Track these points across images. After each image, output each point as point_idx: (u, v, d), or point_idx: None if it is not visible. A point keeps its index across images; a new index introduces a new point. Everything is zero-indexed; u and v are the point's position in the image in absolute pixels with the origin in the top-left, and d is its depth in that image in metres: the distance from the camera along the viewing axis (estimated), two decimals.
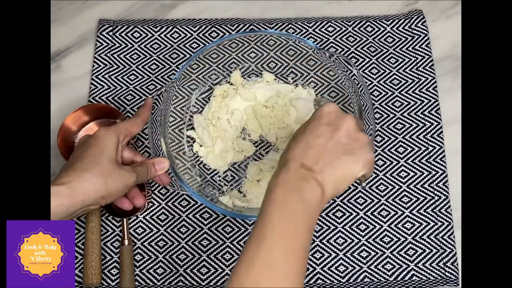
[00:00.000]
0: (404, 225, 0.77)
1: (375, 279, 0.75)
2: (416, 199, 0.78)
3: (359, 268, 0.75)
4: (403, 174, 0.79)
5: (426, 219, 0.77)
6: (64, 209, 0.60)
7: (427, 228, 0.77)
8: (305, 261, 0.55)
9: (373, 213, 0.78)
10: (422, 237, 0.76)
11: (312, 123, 0.61)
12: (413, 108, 0.83)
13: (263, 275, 0.51)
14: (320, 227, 0.77)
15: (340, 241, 0.77)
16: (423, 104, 0.83)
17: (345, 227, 0.77)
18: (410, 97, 0.84)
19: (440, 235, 0.76)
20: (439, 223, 0.77)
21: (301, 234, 0.55)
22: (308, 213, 0.56)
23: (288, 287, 0.51)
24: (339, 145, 0.59)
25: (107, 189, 0.63)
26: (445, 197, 0.78)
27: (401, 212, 0.78)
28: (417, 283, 0.75)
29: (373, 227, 0.77)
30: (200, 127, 0.80)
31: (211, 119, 0.81)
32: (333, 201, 0.78)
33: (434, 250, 0.76)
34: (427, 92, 0.84)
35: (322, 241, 0.76)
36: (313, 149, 0.58)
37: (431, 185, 0.79)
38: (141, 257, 0.76)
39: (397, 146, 0.81)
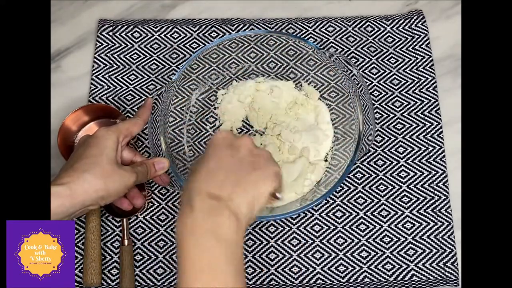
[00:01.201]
0: (404, 225, 0.77)
1: (375, 279, 0.75)
2: (416, 199, 0.78)
3: (359, 268, 0.75)
4: (403, 174, 0.79)
5: (426, 219, 0.77)
6: (64, 209, 0.60)
7: (427, 228, 0.77)
8: None
9: (373, 213, 0.78)
10: (422, 237, 0.76)
11: (209, 150, 0.58)
12: (413, 108, 0.83)
13: None
14: (320, 227, 0.77)
15: (340, 241, 0.76)
16: (423, 104, 0.83)
17: (345, 227, 0.77)
18: (410, 97, 0.84)
19: (440, 235, 0.76)
20: (439, 223, 0.77)
21: (228, 276, 0.50)
22: (230, 251, 0.51)
23: None
24: (244, 163, 0.56)
25: (106, 190, 0.63)
26: (445, 197, 0.78)
27: (401, 212, 0.78)
28: (417, 283, 0.75)
29: (373, 227, 0.77)
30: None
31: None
32: (332, 201, 0.78)
33: (434, 250, 0.76)
34: (427, 92, 0.84)
35: (322, 241, 0.76)
36: (217, 174, 0.54)
37: (431, 185, 0.79)
38: (141, 257, 0.76)
39: (397, 146, 0.81)
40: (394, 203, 0.78)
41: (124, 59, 0.86)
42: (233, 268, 0.51)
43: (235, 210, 0.53)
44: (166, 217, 0.78)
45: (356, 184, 0.79)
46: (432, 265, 0.75)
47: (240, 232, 0.53)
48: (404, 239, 0.76)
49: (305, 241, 0.76)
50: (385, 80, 0.85)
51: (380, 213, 0.78)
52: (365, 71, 0.85)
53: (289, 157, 0.78)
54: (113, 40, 0.87)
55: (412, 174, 0.79)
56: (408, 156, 0.80)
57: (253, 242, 0.76)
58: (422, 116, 0.82)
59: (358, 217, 0.77)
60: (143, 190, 0.77)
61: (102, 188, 0.63)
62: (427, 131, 0.82)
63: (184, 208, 0.53)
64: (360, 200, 0.78)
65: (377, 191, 0.79)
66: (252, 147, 0.59)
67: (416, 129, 0.82)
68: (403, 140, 0.81)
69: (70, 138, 0.80)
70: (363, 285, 0.75)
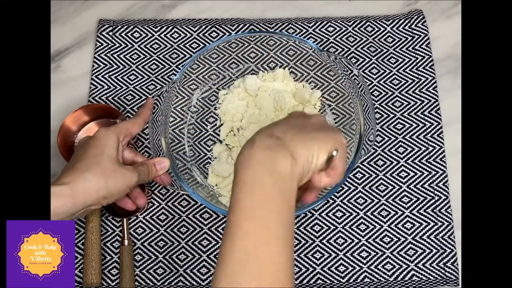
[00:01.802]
0: (404, 225, 0.77)
1: (375, 279, 0.75)
2: (416, 199, 0.78)
3: (359, 268, 0.75)
4: (403, 174, 0.79)
5: (426, 219, 0.77)
6: (65, 210, 0.60)
7: (427, 228, 0.77)
8: (287, 238, 0.51)
9: (373, 213, 0.78)
10: (422, 237, 0.76)
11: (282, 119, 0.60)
12: (413, 108, 0.83)
13: (241, 264, 0.48)
14: (320, 227, 0.77)
15: (340, 241, 0.77)
16: (423, 104, 0.83)
17: (345, 227, 0.77)
18: (410, 97, 0.84)
19: (440, 235, 0.76)
20: (439, 223, 0.77)
21: (277, 212, 0.51)
22: (282, 185, 0.52)
23: (271, 271, 0.48)
24: (309, 125, 0.57)
25: (108, 189, 0.63)
26: (445, 197, 0.78)
27: (401, 212, 0.78)
28: (417, 283, 0.75)
29: (373, 227, 0.77)
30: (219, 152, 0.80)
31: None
32: (333, 201, 0.78)
33: (434, 250, 0.76)
34: (427, 92, 0.84)
35: (322, 241, 0.76)
36: (282, 124, 0.56)
37: (431, 185, 0.79)
38: (141, 257, 0.76)
39: (397, 146, 0.81)
40: (394, 203, 0.78)
41: (124, 59, 0.87)
42: (284, 200, 0.52)
43: (293, 151, 0.53)
44: (166, 217, 0.78)
45: (356, 184, 0.79)
46: (432, 265, 0.75)
47: (294, 171, 0.53)
48: (404, 239, 0.76)
49: (305, 241, 0.76)
50: (385, 80, 0.85)
51: (380, 213, 0.78)
52: (365, 71, 0.85)
53: None
54: (113, 40, 0.87)
55: (412, 174, 0.79)
56: (408, 156, 0.80)
57: None
58: (422, 116, 0.82)
59: (358, 217, 0.77)
60: (143, 190, 0.77)
61: (103, 187, 0.63)
62: (427, 131, 0.82)
63: (245, 145, 0.54)
64: (360, 200, 0.78)
65: (377, 191, 0.79)
66: (323, 120, 0.61)
67: (416, 129, 0.82)
68: (403, 140, 0.81)
69: (70, 138, 0.80)
70: (363, 285, 0.75)
